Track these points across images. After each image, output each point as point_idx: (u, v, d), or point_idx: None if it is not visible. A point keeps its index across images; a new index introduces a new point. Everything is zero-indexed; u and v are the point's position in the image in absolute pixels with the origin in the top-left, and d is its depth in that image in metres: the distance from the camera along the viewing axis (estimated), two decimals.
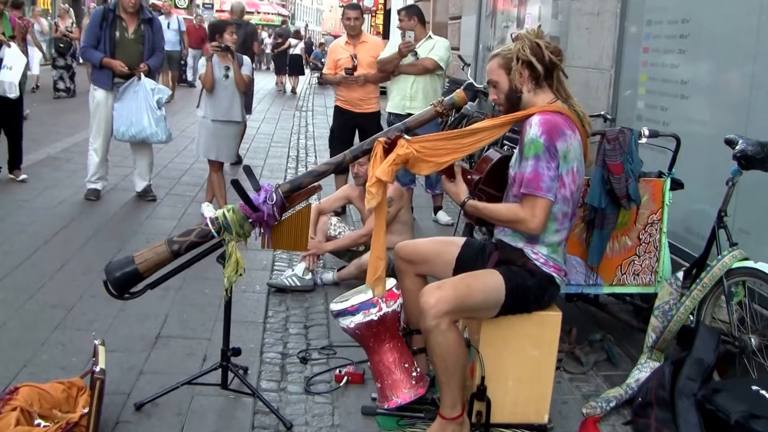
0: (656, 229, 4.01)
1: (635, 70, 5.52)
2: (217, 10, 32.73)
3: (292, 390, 3.58)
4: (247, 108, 8.09)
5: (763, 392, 2.97)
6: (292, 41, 21.40)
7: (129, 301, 3.34)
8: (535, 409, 3.23)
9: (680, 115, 4.90)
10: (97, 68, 6.79)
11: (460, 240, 3.43)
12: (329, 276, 5.00)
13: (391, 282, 3.43)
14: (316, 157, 10.07)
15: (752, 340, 3.42)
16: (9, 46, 7.29)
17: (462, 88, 3.47)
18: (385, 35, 20.08)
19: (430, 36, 6.68)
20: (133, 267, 3.10)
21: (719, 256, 3.56)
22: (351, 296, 3.43)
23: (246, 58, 6.48)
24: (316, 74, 24.49)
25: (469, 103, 8.34)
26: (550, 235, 3.03)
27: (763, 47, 4.06)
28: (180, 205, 7.01)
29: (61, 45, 14.43)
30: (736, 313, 3.53)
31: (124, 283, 3.13)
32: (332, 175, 4.46)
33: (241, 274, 3.17)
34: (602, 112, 5.27)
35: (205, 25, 17.53)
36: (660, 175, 4.05)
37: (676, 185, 4.04)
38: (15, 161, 7.56)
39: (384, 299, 3.29)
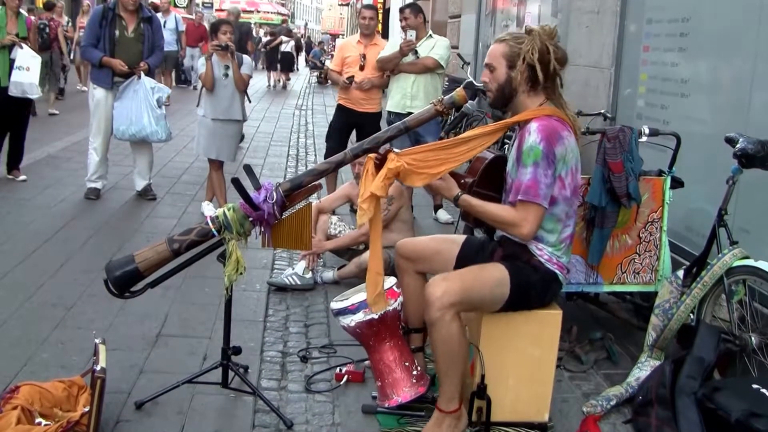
0: (656, 228, 4.01)
1: (635, 68, 5.51)
2: (216, 9, 32.70)
3: (293, 389, 3.58)
4: None
5: (764, 391, 2.97)
6: (284, 38, 21.99)
7: (129, 300, 3.34)
8: (536, 407, 3.23)
9: (680, 113, 4.90)
10: (97, 67, 6.78)
11: (461, 238, 3.44)
12: (329, 274, 5.00)
13: (391, 280, 3.43)
14: (316, 155, 10.07)
15: (753, 338, 3.42)
16: (21, 47, 7.29)
17: (462, 86, 3.46)
18: (384, 34, 20.07)
19: (430, 35, 6.67)
20: (134, 266, 3.10)
21: (720, 255, 3.55)
22: (351, 295, 3.42)
23: (246, 58, 6.48)
24: (316, 73, 24.64)
25: (469, 101, 8.34)
26: (554, 235, 3.04)
27: (763, 45, 4.05)
28: (180, 203, 7.01)
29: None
30: (737, 312, 3.53)
31: (125, 282, 3.12)
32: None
33: (241, 273, 3.16)
34: (602, 111, 5.27)
35: (205, 24, 17.52)
36: (660, 173, 4.05)
37: (677, 184, 4.04)
38: (14, 161, 7.56)
39: (384, 297, 3.29)
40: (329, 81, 21.49)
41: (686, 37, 4.86)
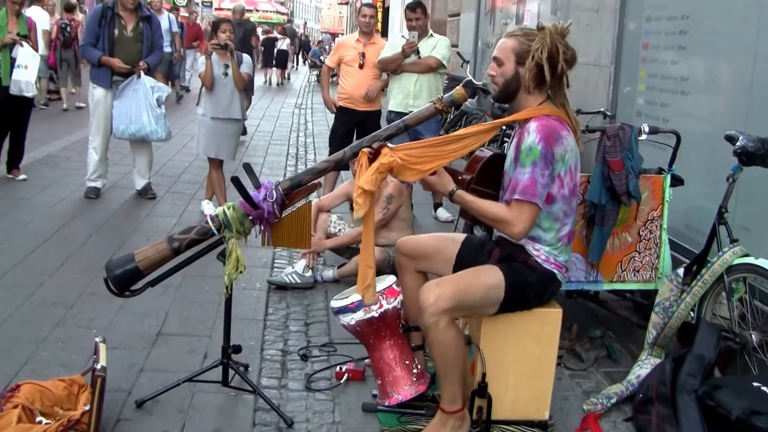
0: (656, 226, 4.01)
1: (635, 66, 5.51)
2: (216, 8, 32.65)
3: (293, 387, 3.58)
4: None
5: (764, 388, 2.97)
6: (278, 35, 22.88)
7: (129, 299, 3.34)
8: (536, 405, 3.23)
9: (680, 111, 4.90)
10: (96, 66, 6.77)
11: (461, 237, 3.43)
12: (329, 273, 5.00)
13: (391, 279, 3.43)
14: (315, 154, 10.07)
15: (753, 336, 3.42)
16: (22, 45, 7.29)
17: (461, 85, 3.45)
18: (384, 33, 20.06)
19: (431, 34, 6.67)
20: (134, 264, 3.10)
21: (720, 253, 3.56)
22: (351, 293, 3.42)
23: (246, 56, 6.48)
24: (315, 72, 24.74)
25: (469, 99, 8.36)
26: (552, 234, 3.03)
27: (763, 43, 4.05)
28: (180, 202, 7.01)
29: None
30: (737, 310, 3.53)
31: (125, 281, 3.12)
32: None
33: (241, 272, 3.16)
34: (602, 109, 5.27)
35: (200, 23, 17.40)
36: (660, 171, 4.04)
37: (677, 182, 4.04)
38: (14, 160, 7.56)
39: (384, 296, 3.29)
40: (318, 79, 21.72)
41: (686, 35, 4.85)
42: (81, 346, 3.78)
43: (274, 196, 3.10)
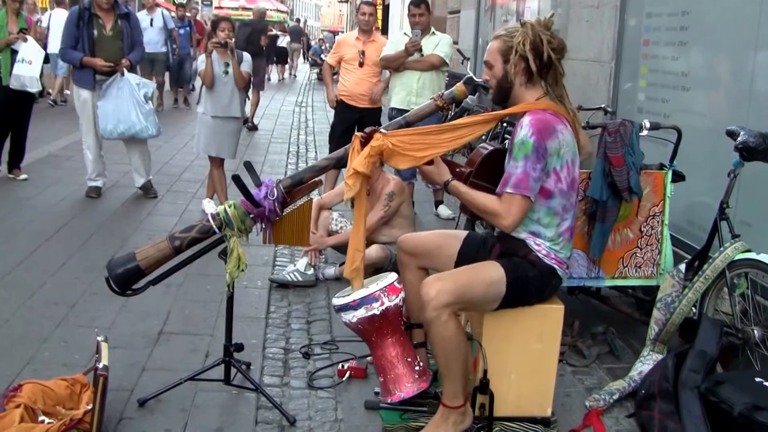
0: (658, 222, 4.00)
1: (636, 62, 5.51)
2: (216, 7, 32.60)
3: (295, 385, 3.58)
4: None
5: (767, 384, 2.97)
6: (279, 34, 23.43)
7: (131, 298, 3.34)
8: (538, 402, 3.23)
9: (681, 107, 4.90)
10: (78, 68, 6.74)
11: (462, 233, 3.43)
12: (331, 271, 5.00)
13: (392, 276, 3.43)
14: (316, 152, 10.07)
15: (755, 331, 3.42)
16: (26, 40, 7.25)
17: (462, 81, 3.45)
18: (384, 31, 20.07)
19: (433, 32, 6.67)
20: (135, 263, 3.10)
21: (721, 248, 3.55)
22: (353, 291, 3.42)
23: (246, 55, 6.47)
24: (316, 70, 24.85)
25: (470, 96, 8.34)
26: (552, 229, 3.03)
27: (763, 38, 4.05)
28: (181, 201, 7.01)
29: None
30: (739, 305, 3.52)
31: (126, 280, 3.13)
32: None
33: (242, 270, 3.16)
34: (603, 105, 5.25)
35: (200, 21, 17.28)
36: (661, 167, 4.04)
37: (678, 177, 4.03)
38: (16, 160, 7.55)
39: (386, 293, 3.29)
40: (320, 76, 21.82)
41: (686, 31, 4.85)
42: (83, 346, 3.78)
43: (275, 194, 3.10)
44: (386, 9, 22.83)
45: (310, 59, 26.98)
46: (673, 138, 4.09)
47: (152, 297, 4.06)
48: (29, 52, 7.23)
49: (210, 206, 6.42)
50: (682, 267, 3.77)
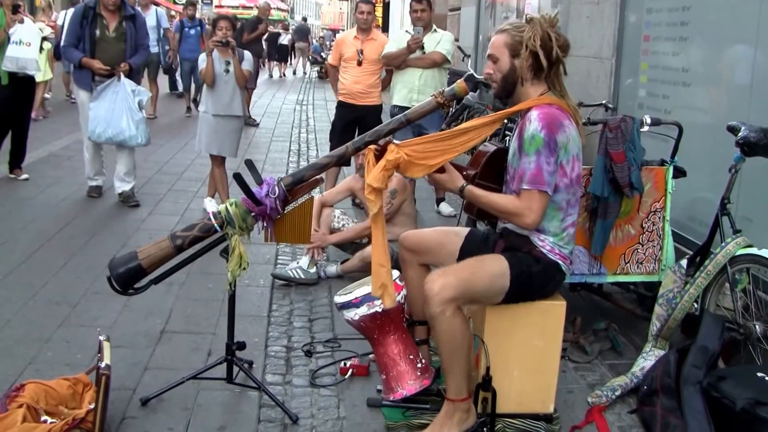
0: (659, 218, 4.00)
1: (636, 58, 5.50)
2: (216, 6, 32.62)
3: (298, 383, 3.58)
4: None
5: None
6: (281, 31, 24.28)
7: (133, 297, 3.35)
8: (541, 398, 3.23)
9: (682, 102, 4.89)
10: (78, 68, 6.63)
11: (464, 230, 3.43)
12: (333, 269, 5.00)
13: (394, 273, 3.43)
14: (317, 150, 10.07)
15: (757, 327, 3.42)
16: (22, 21, 7.07)
17: (463, 78, 3.45)
18: (384, 29, 20.07)
19: (435, 29, 6.67)
20: (137, 263, 3.10)
21: (723, 244, 3.55)
22: (355, 288, 3.43)
23: (247, 53, 6.47)
24: (316, 68, 24.85)
25: (471, 93, 8.34)
26: (556, 224, 3.03)
27: (764, 33, 4.04)
28: (182, 200, 7.01)
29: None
30: (741, 300, 3.53)
31: (128, 279, 3.12)
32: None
33: (244, 268, 3.16)
34: (603, 101, 5.25)
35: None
36: (662, 163, 4.04)
37: (679, 173, 4.03)
38: (17, 160, 7.50)
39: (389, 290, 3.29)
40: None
41: (687, 26, 4.84)
42: (85, 345, 3.78)
43: (277, 192, 3.10)
44: (386, 7, 22.84)
45: (310, 57, 26.94)
46: (674, 134, 4.09)
47: (154, 296, 4.07)
48: (26, 34, 6.98)
49: (211, 205, 6.42)
50: (684, 263, 3.77)
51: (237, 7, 30.34)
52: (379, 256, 3.04)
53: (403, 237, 3.45)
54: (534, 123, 2.91)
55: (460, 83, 3.17)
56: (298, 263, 4.94)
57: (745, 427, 2.85)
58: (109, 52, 6.53)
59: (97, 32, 6.50)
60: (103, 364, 2.89)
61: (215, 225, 3.12)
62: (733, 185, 3.67)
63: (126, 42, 6.61)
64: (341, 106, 6.97)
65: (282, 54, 24.56)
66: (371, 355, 3.60)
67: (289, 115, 13.90)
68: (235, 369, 3.37)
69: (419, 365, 3.33)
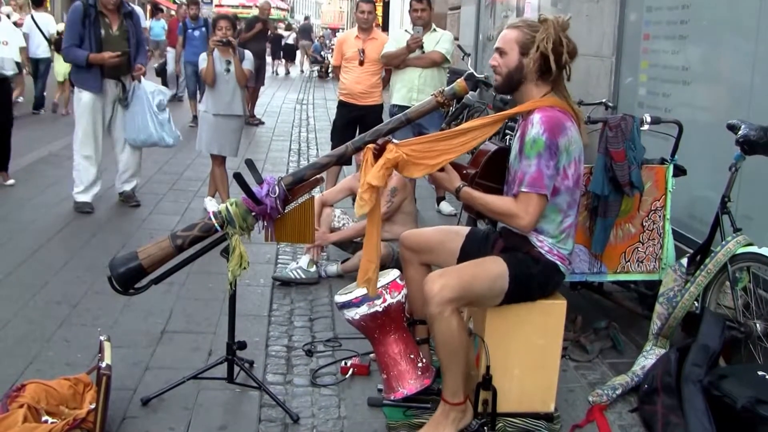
0: (660, 216, 4.00)
1: (636, 56, 5.50)
2: (216, 5, 32.58)
3: (298, 383, 3.58)
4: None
5: None
6: (284, 32, 25.07)
7: (133, 297, 3.35)
8: (541, 397, 3.23)
9: (682, 101, 4.89)
10: (84, 68, 6.25)
11: (464, 229, 3.43)
12: (333, 268, 5.00)
13: (395, 273, 3.43)
14: (317, 149, 10.07)
15: (757, 325, 3.42)
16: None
17: (463, 78, 3.45)
18: (385, 28, 20.07)
19: (434, 29, 6.66)
20: (137, 262, 3.10)
21: (723, 242, 3.55)
22: (355, 288, 3.42)
23: (248, 53, 6.47)
24: (316, 67, 24.86)
25: (471, 92, 8.34)
26: (555, 225, 3.03)
27: (764, 32, 4.04)
28: (183, 200, 7.01)
29: None
30: (741, 299, 3.52)
31: (129, 279, 3.12)
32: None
33: (245, 268, 3.16)
34: (603, 100, 5.26)
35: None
36: (663, 161, 4.04)
37: (679, 171, 4.03)
38: (2, 163, 7.16)
39: (388, 290, 3.30)
40: (330, 75, 21.83)
41: (686, 25, 4.84)
42: (86, 345, 3.78)
43: (277, 191, 3.10)
44: (386, 6, 22.84)
45: (311, 57, 26.95)
46: (674, 132, 4.09)
47: (155, 296, 4.07)
48: (4, 32, 6.75)
49: (212, 204, 6.42)
50: (684, 261, 3.77)
51: (237, 7, 30.30)
52: (369, 252, 3.05)
53: (404, 236, 3.45)
54: (536, 126, 2.90)
55: (460, 82, 3.16)
56: (298, 263, 4.94)
57: (746, 426, 2.85)
58: (116, 50, 6.30)
59: (102, 31, 6.29)
60: (103, 364, 2.89)
61: (216, 224, 3.12)
62: (733, 184, 3.67)
63: (129, 39, 6.46)
64: (342, 105, 6.97)
65: (288, 53, 25.30)
66: (372, 355, 3.60)
67: (290, 115, 13.91)
68: (236, 369, 3.37)
69: (420, 365, 3.33)
